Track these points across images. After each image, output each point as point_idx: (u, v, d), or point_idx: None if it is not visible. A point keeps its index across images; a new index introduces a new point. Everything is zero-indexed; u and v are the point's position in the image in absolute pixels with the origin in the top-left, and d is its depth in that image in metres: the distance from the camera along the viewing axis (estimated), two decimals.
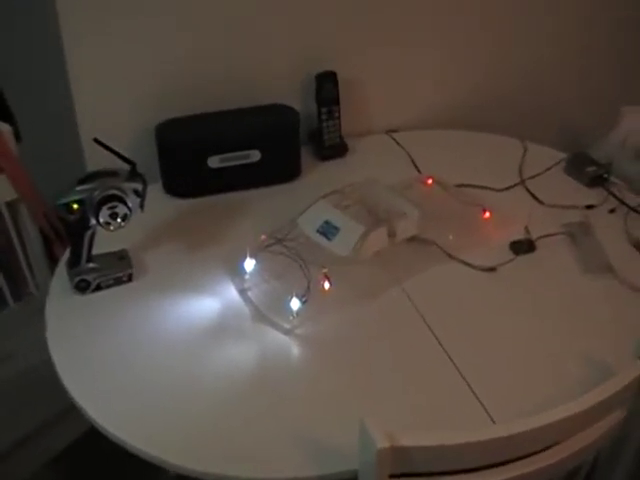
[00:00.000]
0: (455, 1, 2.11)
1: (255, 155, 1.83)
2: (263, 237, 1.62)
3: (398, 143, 2.09)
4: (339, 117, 2.01)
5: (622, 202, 1.81)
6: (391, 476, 1.04)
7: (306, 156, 1.98)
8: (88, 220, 1.44)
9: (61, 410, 1.61)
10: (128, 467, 1.66)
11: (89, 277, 1.50)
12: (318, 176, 1.95)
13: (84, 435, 1.66)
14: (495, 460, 1.08)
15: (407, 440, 1.00)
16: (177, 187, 1.84)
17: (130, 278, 1.55)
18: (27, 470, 1.63)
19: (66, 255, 1.55)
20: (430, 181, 1.86)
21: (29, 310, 1.84)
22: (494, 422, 1.23)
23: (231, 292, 1.52)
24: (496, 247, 1.65)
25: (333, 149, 2.03)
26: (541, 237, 1.67)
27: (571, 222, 1.73)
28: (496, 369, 1.36)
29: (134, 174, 1.46)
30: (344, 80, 1.99)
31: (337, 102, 2.00)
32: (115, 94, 1.82)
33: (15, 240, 1.85)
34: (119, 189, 1.43)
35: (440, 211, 1.74)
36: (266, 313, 1.46)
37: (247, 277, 1.54)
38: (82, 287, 1.50)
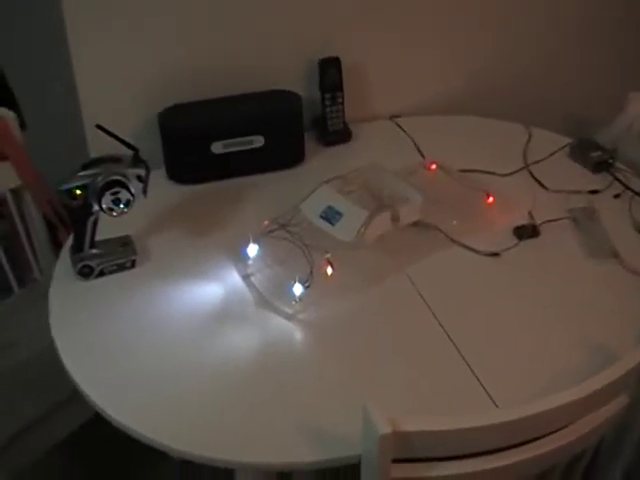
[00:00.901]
0: None
1: (259, 141, 1.83)
2: (266, 222, 1.61)
3: (402, 129, 2.09)
4: (342, 103, 2.01)
5: (627, 187, 1.80)
6: (394, 461, 1.04)
7: (310, 142, 1.98)
8: (91, 206, 1.44)
9: (65, 396, 1.62)
10: (132, 453, 1.68)
11: (92, 263, 1.50)
12: (322, 162, 1.95)
13: (88, 422, 1.66)
14: (498, 445, 1.08)
15: (409, 425, 1.00)
16: (180, 173, 1.84)
17: (133, 264, 1.55)
18: (32, 457, 1.64)
19: (70, 241, 1.55)
20: (434, 166, 1.86)
21: (33, 296, 1.85)
22: (497, 407, 1.23)
23: (234, 278, 1.52)
24: (500, 232, 1.65)
25: (337, 135, 2.03)
26: (545, 222, 1.67)
27: (575, 207, 1.72)
28: (499, 354, 1.35)
29: (137, 160, 1.46)
30: (348, 66, 1.99)
31: (340, 88, 1.99)
32: (118, 81, 1.82)
33: (19, 226, 1.86)
34: (122, 175, 1.43)
35: (444, 196, 1.74)
36: (269, 298, 1.46)
37: (250, 263, 1.54)
38: (85, 273, 1.50)
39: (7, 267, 1.86)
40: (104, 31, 1.75)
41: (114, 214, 1.44)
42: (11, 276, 1.87)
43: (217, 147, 1.80)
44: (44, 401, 1.61)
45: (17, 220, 1.85)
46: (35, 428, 1.59)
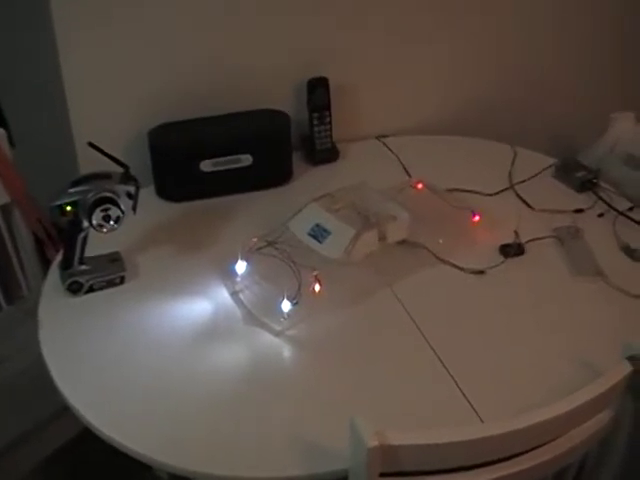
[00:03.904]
0: (448, 11, 2.13)
1: (247, 159, 1.84)
2: (254, 240, 1.62)
3: (389, 148, 2.11)
4: (330, 122, 2.02)
5: (611, 206, 1.82)
6: (381, 475, 1.05)
7: (298, 161, 2.00)
8: (81, 222, 1.45)
9: (53, 412, 1.62)
10: (120, 469, 1.67)
11: (82, 279, 1.51)
12: (309, 180, 1.96)
13: (76, 437, 1.66)
14: (484, 459, 1.09)
15: (397, 439, 1.01)
16: (170, 191, 1.85)
17: (122, 280, 1.56)
18: (19, 472, 1.63)
19: (59, 257, 1.56)
20: (420, 185, 1.87)
21: (21, 313, 1.85)
22: (482, 421, 1.24)
23: (223, 294, 1.53)
24: (486, 250, 1.67)
25: (324, 154, 2.05)
26: (530, 241, 1.68)
27: (560, 226, 1.74)
28: (485, 370, 1.37)
29: (127, 177, 1.47)
30: (335, 86, 2.00)
31: (328, 107, 2.01)
32: (109, 99, 1.83)
33: (8, 243, 1.86)
34: (112, 191, 1.44)
35: (430, 215, 1.76)
36: (257, 315, 1.47)
37: (239, 279, 1.55)
38: (74, 289, 1.51)
39: None
40: (95, 48, 1.76)
41: (104, 230, 1.45)
42: None
43: (206, 165, 1.81)
44: (32, 416, 1.61)
45: (6, 237, 1.85)
46: (23, 443, 1.59)
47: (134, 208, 1.48)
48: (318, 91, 1.99)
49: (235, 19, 1.87)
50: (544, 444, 1.14)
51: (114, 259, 1.58)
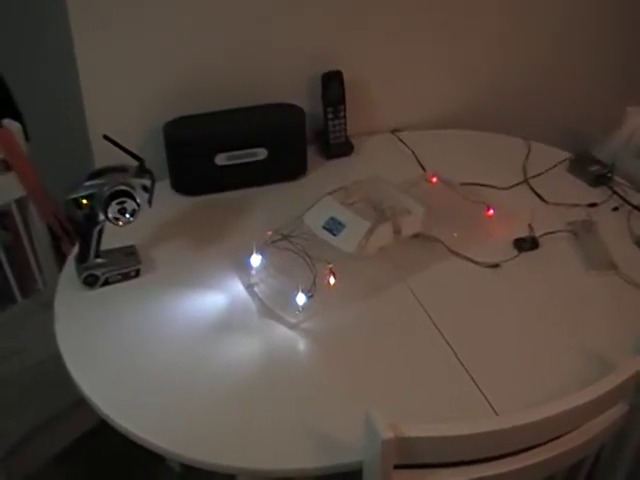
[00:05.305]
0: (462, 2, 2.13)
1: (262, 153, 1.85)
2: (269, 233, 1.63)
3: (403, 142, 2.10)
4: (345, 116, 2.02)
5: (625, 201, 1.82)
6: (396, 467, 1.05)
7: (312, 155, 2.00)
8: (97, 215, 1.45)
9: (68, 404, 1.62)
10: (136, 460, 1.69)
11: (97, 272, 1.51)
12: (324, 174, 1.97)
13: (91, 430, 1.67)
14: (497, 452, 1.09)
15: (411, 431, 1.01)
16: (185, 185, 1.86)
17: (138, 273, 1.56)
18: (35, 464, 1.64)
19: (75, 250, 1.57)
20: (435, 179, 1.88)
21: (36, 306, 1.86)
22: (497, 414, 1.24)
23: (238, 287, 1.54)
24: (500, 244, 1.67)
25: (339, 148, 2.05)
26: (545, 234, 1.68)
27: (574, 220, 1.74)
28: (499, 363, 1.37)
29: (143, 170, 1.48)
30: (350, 80, 2.00)
31: (343, 101, 2.01)
32: (124, 92, 1.84)
33: (24, 237, 1.87)
34: (128, 185, 1.44)
35: (445, 208, 1.76)
36: (272, 308, 1.47)
37: (254, 272, 1.56)
38: (90, 282, 1.52)
39: (11, 277, 1.87)
40: (111, 43, 1.76)
41: (120, 224, 1.45)
42: (14, 286, 1.88)
43: (221, 159, 1.81)
44: (47, 409, 1.62)
45: (21, 230, 1.86)
46: (38, 436, 1.59)
47: (150, 201, 1.48)
48: (332, 85, 1.99)
49: (251, 15, 1.88)
50: (559, 437, 1.14)
51: (129, 252, 1.58)
